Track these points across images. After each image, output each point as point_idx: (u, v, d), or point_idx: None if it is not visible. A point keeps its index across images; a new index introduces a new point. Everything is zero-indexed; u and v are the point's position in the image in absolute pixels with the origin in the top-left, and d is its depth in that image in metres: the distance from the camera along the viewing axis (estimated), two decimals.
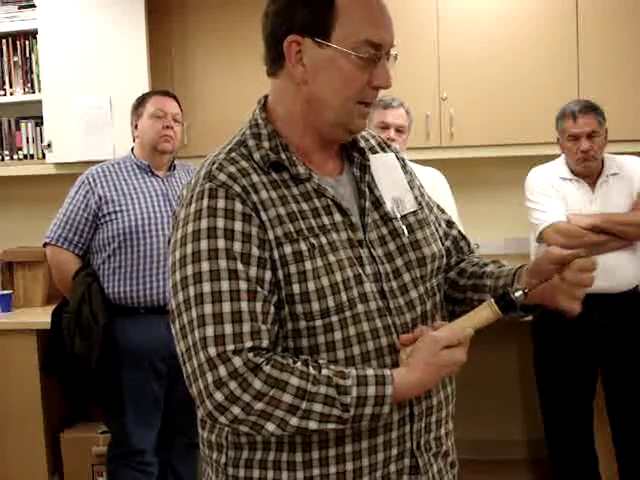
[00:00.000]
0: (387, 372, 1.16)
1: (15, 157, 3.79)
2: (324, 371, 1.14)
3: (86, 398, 2.91)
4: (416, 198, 1.37)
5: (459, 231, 1.49)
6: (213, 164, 1.21)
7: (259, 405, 1.11)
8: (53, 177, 3.76)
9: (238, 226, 1.15)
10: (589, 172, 2.91)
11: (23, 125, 3.78)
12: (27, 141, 3.78)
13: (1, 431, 3.39)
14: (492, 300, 1.23)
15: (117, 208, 2.83)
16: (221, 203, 1.16)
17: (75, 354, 2.75)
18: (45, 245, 2.92)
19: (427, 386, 1.21)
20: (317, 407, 1.12)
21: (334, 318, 1.18)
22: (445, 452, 1.33)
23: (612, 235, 2.82)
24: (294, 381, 1.12)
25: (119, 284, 2.81)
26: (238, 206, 1.16)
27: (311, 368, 1.14)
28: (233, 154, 1.23)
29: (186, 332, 1.14)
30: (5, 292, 3.62)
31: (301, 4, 1.20)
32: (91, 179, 2.87)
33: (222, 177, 1.18)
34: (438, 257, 1.33)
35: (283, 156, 1.23)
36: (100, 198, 2.83)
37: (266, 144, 1.24)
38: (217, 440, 1.26)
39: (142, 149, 2.95)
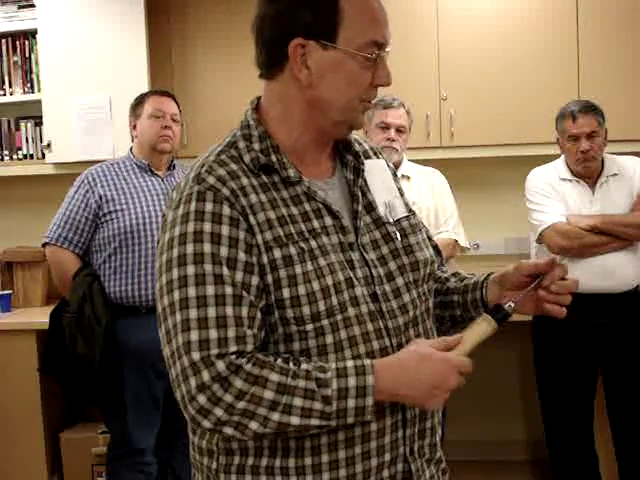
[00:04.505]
0: (367, 362, 1.15)
1: (15, 157, 3.79)
2: (304, 365, 1.13)
3: (86, 398, 2.90)
4: (406, 205, 1.38)
5: (435, 247, 1.47)
6: (202, 167, 1.20)
7: (241, 404, 1.10)
8: (53, 177, 3.76)
9: (225, 230, 1.14)
10: (589, 172, 2.90)
11: (23, 125, 3.78)
12: (27, 141, 3.77)
13: (1, 431, 3.39)
14: (488, 315, 1.24)
15: (117, 207, 2.82)
16: (209, 207, 1.15)
17: (77, 354, 2.75)
18: (45, 245, 2.91)
19: (410, 373, 1.14)
20: (297, 401, 1.10)
21: (325, 322, 1.17)
22: (438, 459, 1.32)
23: (612, 236, 2.82)
24: (274, 377, 1.11)
25: (120, 283, 2.80)
26: (226, 210, 1.15)
27: (291, 364, 1.13)
28: (223, 156, 1.22)
29: (170, 337, 1.14)
30: (5, 292, 3.62)
31: (304, 7, 1.18)
32: (91, 178, 2.87)
33: (211, 180, 1.17)
34: (430, 262, 1.33)
35: (274, 158, 1.22)
36: (100, 197, 2.83)
37: (256, 146, 1.23)
38: (208, 446, 1.24)
39: (141, 149, 2.95)
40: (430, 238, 1.47)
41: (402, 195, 1.40)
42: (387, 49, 1.24)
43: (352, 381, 1.12)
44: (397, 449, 1.23)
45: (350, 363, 1.14)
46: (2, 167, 3.80)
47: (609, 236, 2.81)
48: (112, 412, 2.87)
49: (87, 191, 2.84)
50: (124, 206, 2.82)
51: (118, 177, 2.89)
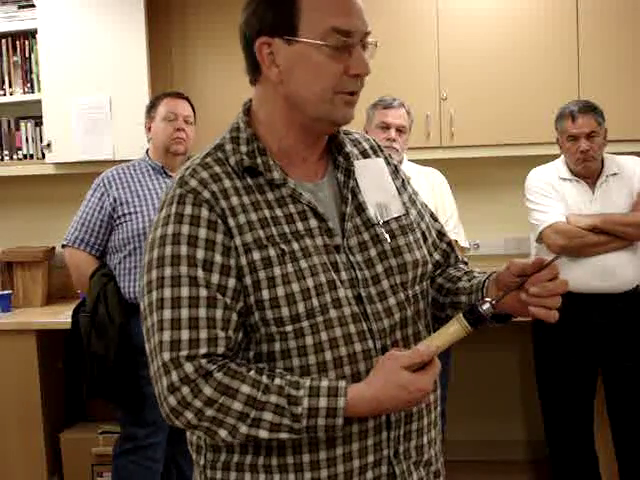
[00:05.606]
0: (342, 384, 1.15)
1: (15, 157, 3.79)
2: (277, 380, 1.14)
3: (103, 394, 2.93)
4: (404, 204, 1.35)
5: (448, 243, 1.45)
6: (187, 169, 1.23)
7: (210, 412, 1.13)
8: (53, 177, 3.76)
9: (202, 233, 1.17)
10: (589, 172, 2.91)
11: (23, 125, 3.77)
12: (27, 141, 3.77)
13: (1, 431, 3.39)
14: (461, 315, 1.20)
15: (132, 210, 2.87)
16: (188, 209, 1.18)
17: (92, 352, 2.80)
18: (63, 247, 2.99)
19: (384, 405, 1.16)
20: (267, 416, 1.12)
21: (305, 323, 1.17)
22: (427, 461, 1.30)
23: (612, 235, 2.82)
24: (245, 389, 1.13)
25: (134, 284, 2.85)
26: (204, 213, 1.17)
27: (264, 377, 1.14)
28: (208, 159, 1.24)
29: (149, 335, 1.18)
30: (5, 292, 3.62)
31: (264, 7, 1.21)
32: (106, 181, 2.92)
33: (193, 183, 1.19)
34: (421, 264, 1.31)
35: (259, 160, 1.22)
36: (115, 200, 2.88)
37: (243, 148, 1.24)
38: (197, 441, 1.27)
39: (155, 151, 2.99)
40: (444, 234, 1.45)
41: (402, 194, 1.37)
42: (369, 39, 1.22)
43: (323, 402, 1.13)
44: (381, 451, 1.23)
45: (324, 383, 1.15)
46: (2, 167, 3.80)
47: (609, 235, 2.81)
48: (128, 408, 2.90)
49: (102, 194, 2.91)
50: (137, 209, 2.87)
51: (133, 179, 2.94)
